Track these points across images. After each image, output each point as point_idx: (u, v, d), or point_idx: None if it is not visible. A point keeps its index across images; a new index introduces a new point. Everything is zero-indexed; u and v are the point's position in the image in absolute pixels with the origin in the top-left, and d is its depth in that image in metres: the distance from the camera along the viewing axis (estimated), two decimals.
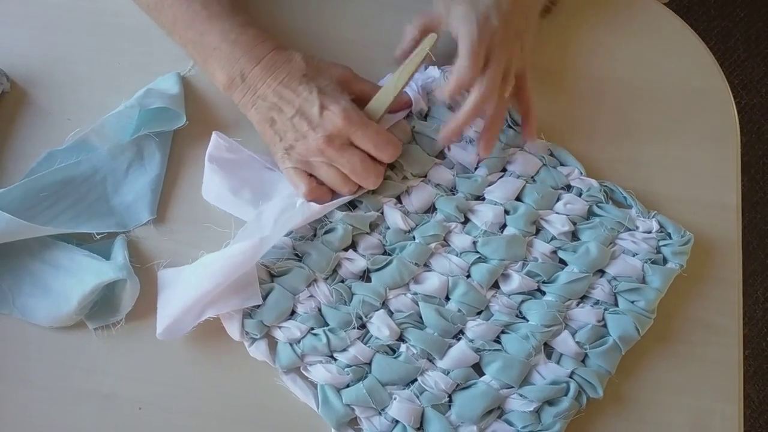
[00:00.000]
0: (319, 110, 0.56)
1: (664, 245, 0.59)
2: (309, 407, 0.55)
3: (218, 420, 0.55)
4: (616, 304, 0.57)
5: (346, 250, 0.57)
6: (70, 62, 0.66)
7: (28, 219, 0.56)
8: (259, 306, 0.55)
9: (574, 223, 0.59)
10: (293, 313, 0.56)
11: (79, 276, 0.56)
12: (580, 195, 0.61)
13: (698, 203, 0.62)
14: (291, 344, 0.55)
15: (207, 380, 0.56)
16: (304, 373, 0.55)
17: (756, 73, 1.49)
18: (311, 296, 0.56)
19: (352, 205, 0.59)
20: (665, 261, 0.59)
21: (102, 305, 0.57)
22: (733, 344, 0.58)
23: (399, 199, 0.60)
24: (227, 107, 0.64)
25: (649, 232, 0.59)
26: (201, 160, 0.62)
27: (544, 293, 0.57)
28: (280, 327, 0.55)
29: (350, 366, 0.54)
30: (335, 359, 0.55)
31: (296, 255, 0.57)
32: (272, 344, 0.55)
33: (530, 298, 0.57)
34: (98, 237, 0.58)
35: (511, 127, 0.62)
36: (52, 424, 0.55)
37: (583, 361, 0.56)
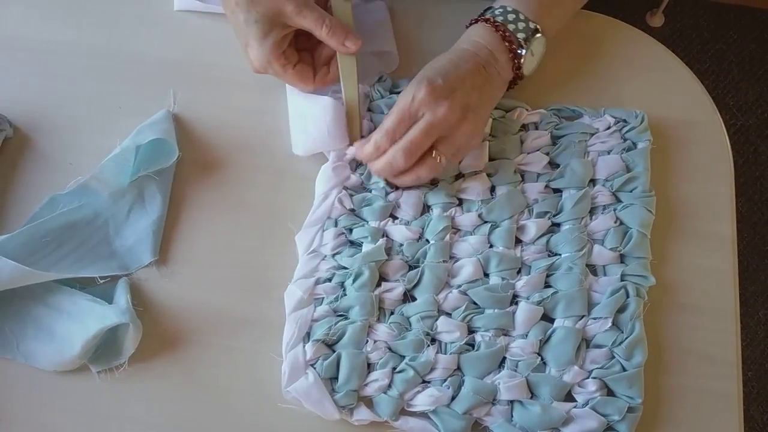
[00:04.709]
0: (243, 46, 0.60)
1: (627, 131, 0.64)
2: None
3: None
4: (620, 201, 0.61)
5: (378, 285, 0.58)
6: (71, 107, 0.67)
7: (31, 264, 0.56)
8: (337, 379, 0.55)
9: (547, 154, 0.63)
10: (369, 365, 0.56)
11: (83, 320, 0.56)
12: (536, 128, 0.64)
13: (693, 234, 0.62)
14: (384, 392, 0.55)
15: (212, 420, 0.56)
16: (409, 409, 0.55)
17: (751, 95, 1.50)
18: (376, 341, 0.56)
19: (357, 245, 0.60)
20: (635, 145, 0.63)
21: (105, 348, 0.57)
22: (732, 375, 0.58)
23: (393, 217, 0.61)
24: (220, 145, 0.65)
25: (609, 128, 0.64)
26: (201, 201, 0.63)
27: (559, 225, 0.61)
28: (367, 384, 0.55)
29: (445, 380, 0.55)
30: (428, 382, 0.56)
31: (340, 316, 0.58)
32: (367, 402, 0.56)
33: (551, 235, 0.60)
34: (101, 281, 0.59)
35: None
36: None
37: (622, 262, 0.60)
